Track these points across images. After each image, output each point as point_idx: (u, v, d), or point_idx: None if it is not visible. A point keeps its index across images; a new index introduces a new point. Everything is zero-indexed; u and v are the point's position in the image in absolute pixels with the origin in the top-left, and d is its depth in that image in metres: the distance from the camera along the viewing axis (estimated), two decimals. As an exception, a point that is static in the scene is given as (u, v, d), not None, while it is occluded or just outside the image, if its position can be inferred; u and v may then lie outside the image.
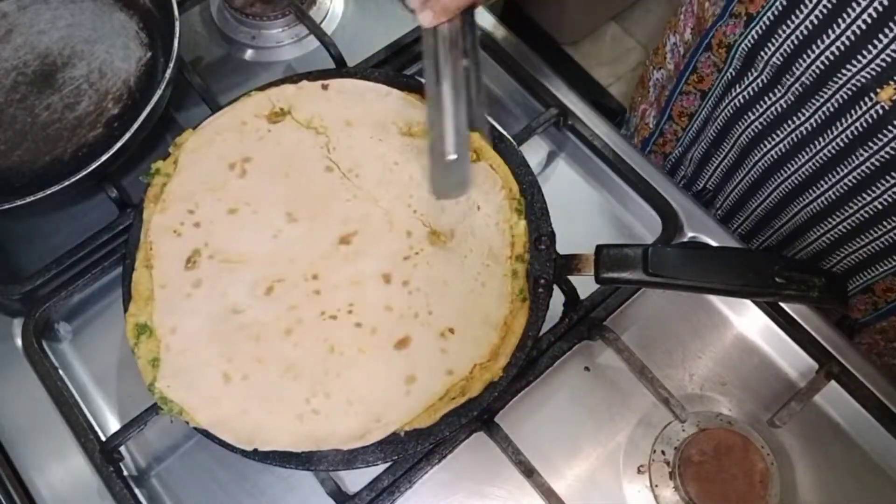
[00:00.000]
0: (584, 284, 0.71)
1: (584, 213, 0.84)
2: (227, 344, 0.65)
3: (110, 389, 0.76)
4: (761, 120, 0.81)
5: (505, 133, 0.75)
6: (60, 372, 0.74)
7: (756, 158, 0.85)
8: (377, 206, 0.71)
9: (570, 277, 0.71)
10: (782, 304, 0.75)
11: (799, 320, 0.74)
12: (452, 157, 0.66)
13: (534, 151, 0.86)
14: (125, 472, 0.71)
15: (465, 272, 0.68)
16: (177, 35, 0.79)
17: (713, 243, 0.79)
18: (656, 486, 0.70)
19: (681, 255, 0.64)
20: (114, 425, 0.74)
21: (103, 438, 0.70)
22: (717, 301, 0.78)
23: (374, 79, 0.77)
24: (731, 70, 0.81)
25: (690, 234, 0.79)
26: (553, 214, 0.71)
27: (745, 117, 0.83)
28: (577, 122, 0.84)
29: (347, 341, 0.65)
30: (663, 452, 0.70)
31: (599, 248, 0.66)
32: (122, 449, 0.71)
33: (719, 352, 0.76)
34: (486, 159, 0.72)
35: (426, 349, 0.65)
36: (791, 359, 0.75)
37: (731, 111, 0.84)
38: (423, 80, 0.78)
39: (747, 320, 0.77)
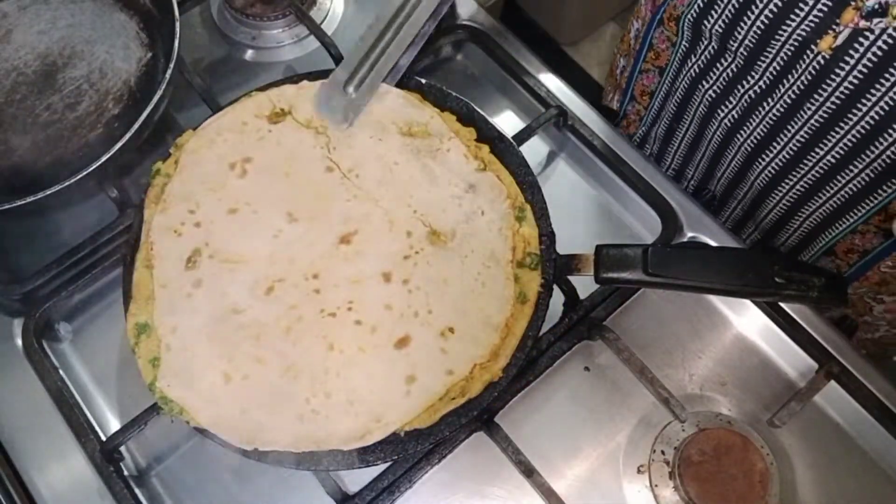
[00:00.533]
0: (584, 284, 0.71)
1: (584, 213, 0.84)
2: (227, 344, 0.65)
3: (110, 389, 0.77)
4: (715, 87, 0.82)
5: (505, 133, 0.75)
6: (60, 372, 0.74)
7: (714, 126, 0.86)
8: (377, 205, 0.71)
9: (570, 277, 0.72)
10: (782, 304, 0.75)
11: (799, 320, 0.74)
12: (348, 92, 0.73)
13: (534, 151, 0.86)
14: (125, 472, 0.71)
15: (465, 272, 0.68)
16: (177, 35, 0.79)
17: (713, 243, 0.79)
18: (656, 485, 0.70)
19: (681, 255, 0.65)
20: (114, 425, 0.74)
21: (103, 438, 0.70)
22: (717, 301, 0.78)
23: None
24: (683, 43, 0.82)
25: (690, 234, 0.79)
26: (553, 214, 0.71)
27: (700, 86, 0.84)
28: (577, 122, 0.84)
29: (347, 339, 0.65)
30: (663, 452, 0.70)
31: (599, 248, 0.66)
32: (123, 449, 0.71)
33: (719, 352, 0.76)
34: (492, 170, 0.72)
35: (426, 348, 0.65)
36: (791, 359, 0.75)
37: (688, 83, 0.85)
38: (422, 80, 0.79)
39: (747, 320, 0.77)
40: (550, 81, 0.87)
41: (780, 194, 0.85)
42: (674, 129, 0.93)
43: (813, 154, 0.78)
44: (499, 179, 0.72)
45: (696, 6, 0.76)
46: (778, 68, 0.74)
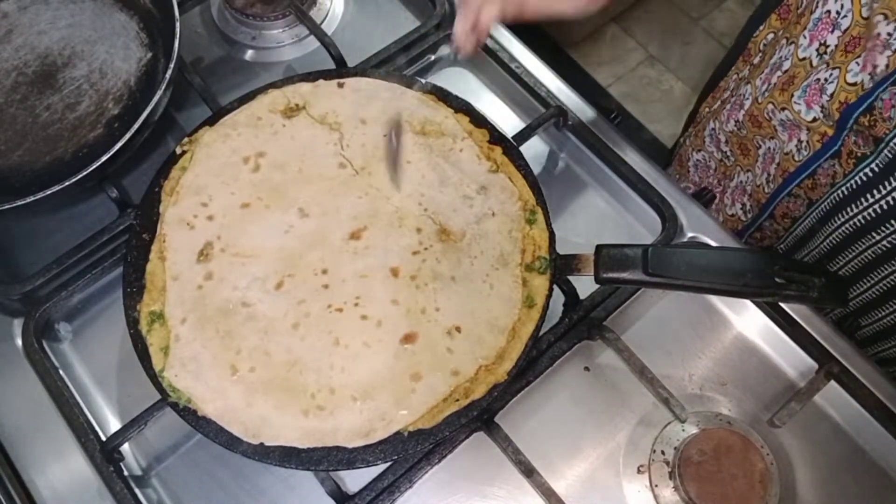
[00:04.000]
0: (584, 284, 0.71)
1: (584, 213, 0.84)
2: (235, 336, 0.66)
3: (110, 389, 0.76)
4: (888, 240, 0.73)
5: (505, 133, 0.75)
6: (60, 372, 0.74)
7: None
8: (388, 202, 0.71)
9: (570, 277, 0.72)
10: (782, 304, 0.75)
11: (799, 320, 0.74)
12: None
13: (534, 151, 0.86)
14: (125, 472, 0.71)
15: (474, 272, 0.68)
16: (177, 35, 0.79)
17: (713, 243, 0.79)
18: (656, 485, 0.70)
19: (681, 255, 0.64)
20: (114, 425, 0.74)
21: (103, 438, 0.70)
22: (717, 301, 0.78)
23: (389, 78, 0.78)
24: (850, 184, 0.73)
25: (690, 234, 0.79)
26: (553, 214, 0.71)
27: (870, 236, 0.74)
28: (576, 122, 0.84)
29: (353, 333, 0.66)
30: (663, 452, 0.70)
31: (599, 248, 0.66)
32: (123, 449, 0.71)
33: (719, 352, 0.76)
34: (505, 172, 0.73)
35: (433, 346, 0.65)
36: (791, 359, 0.75)
37: (851, 229, 0.76)
38: (422, 80, 0.79)
39: (747, 320, 0.77)
40: (550, 81, 0.87)
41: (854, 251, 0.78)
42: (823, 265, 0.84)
43: None
44: (511, 181, 0.72)
45: (882, 159, 0.67)
46: None
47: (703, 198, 1.02)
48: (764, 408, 0.73)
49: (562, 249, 0.70)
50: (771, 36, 0.91)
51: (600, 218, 0.84)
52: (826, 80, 0.74)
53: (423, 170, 0.72)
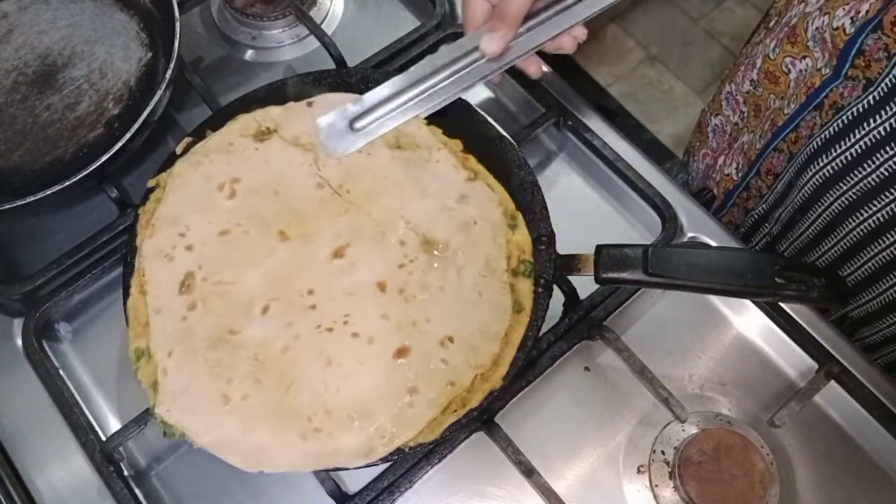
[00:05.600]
0: (584, 284, 0.71)
1: (584, 213, 0.84)
2: (224, 365, 0.65)
3: (110, 389, 0.77)
4: (854, 190, 0.75)
5: (505, 133, 0.75)
6: (60, 372, 0.74)
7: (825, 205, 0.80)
8: (369, 218, 0.70)
9: (570, 277, 0.72)
10: (782, 304, 0.75)
11: (799, 320, 0.74)
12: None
13: (534, 151, 0.86)
14: (125, 472, 0.71)
15: (461, 281, 0.67)
16: (177, 35, 0.79)
17: (713, 243, 0.79)
18: (656, 485, 0.70)
19: (681, 255, 0.64)
20: (114, 425, 0.74)
21: (103, 438, 0.70)
22: (717, 301, 0.78)
23: (367, 85, 0.77)
24: (824, 133, 0.75)
25: (690, 234, 0.79)
26: (553, 214, 0.71)
27: (838, 187, 0.76)
28: (576, 123, 0.84)
29: (345, 353, 0.65)
30: (663, 452, 0.70)
31: (599, 248, 0.66)
32: (122, 449, 0.71)
33: (719, 352, 0.76)
34: (483, 179, 0.72)
35: (427, 359, 0.64)
36: (791, 359, 0.75)
37: (822, 178, 0.77)
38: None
39: (747, 320, 0.77)
40: (550, 81, 0.87)
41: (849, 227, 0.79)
42: (796, 220, 0.86)
43: None
44: (490, 188, 0.72)
45: (864, 103, 0.69)
46: None
47: (703, 198, 1.03)
48: (764, 408, 0.73)
49: (562, 249, 0.70)
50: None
51: (600, 218, 0.84)
52: (820, 27, 0.76)
53: (402, 183, 0.72)
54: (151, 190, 0.73)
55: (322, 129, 0.72)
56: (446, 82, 0.71)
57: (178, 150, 0.74)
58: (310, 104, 0.76)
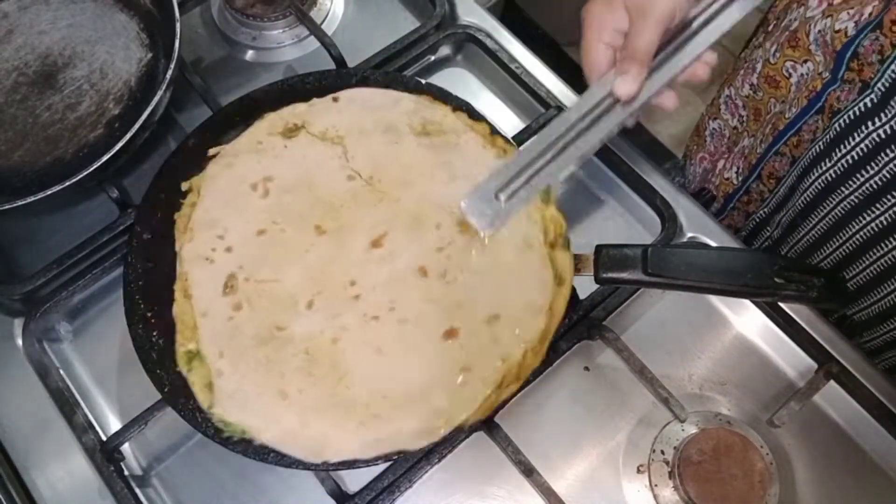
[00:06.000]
0: (584, 284, 0.71)
1: (584, 213, 0.84)
2: (276, 361, 0.65)
3: (110, 389, 0.77)
4: (857, 194, 0.74)
5: (505, 133, 0.75)
6: (61, 372, 0.74)
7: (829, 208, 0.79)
8: (403, 205, 0.71)
9: (570, 277, 0.72)
10: (782, 304, 0.75)
11: (799, 320, 0.74)
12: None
13: (534, 152, 0.86)
14: (125, 472, 0.71)
15: (501, 259, 0.68)
16: (178, 36, 0.79)
17: (713, 243, 0.79)
18: (656, 485, 0.70)
19: (680, 255, 0.65)
20: (114, 425, 0.74)
21: (104, 438, 0.70)
22: (717, 301, 0.78)
23: (381, 84, 0.78)
24: (826, 137, 0.75)
25: (690, 234, 0.80)
26: (553, 214, 0.71)
27: (839, 191, 0.76)
28: (576, 123, 0.84)
29: (394, 339, 0.66)
30: (663, 452, 0.70)
31: (599, 248, 0.66)
32: (123, 449, 0.71)
33: (719, 352, 0.76)
34: (512, 154, 0.72)
35: (475, 337, 0.65)
36: (790, 359, 0.75)
37: (824, 183, 0.77)
38: (421, 81, 0.79)
39: (747, 320, 0.77)
40: (550, 81, 0.87)
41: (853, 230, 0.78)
42: (797, 224, 0.86)
43: None
44: None
45: (861, 106, 0.69)
46: None
47: (703, 198, 1.03)
48: (764, 408, 0.73)
49: (562, 249, 0.70)
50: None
51: (600, 218, 0.84)
52: (822, 30, 0.75)
53: (432, 168, 0.72)
54: (184, 194, 0.73)
55: (469, 209, 0.65)
56: (585, 136, 0.65)
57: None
58: (335, 99, 0.77)
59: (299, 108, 0.76)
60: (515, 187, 0.64)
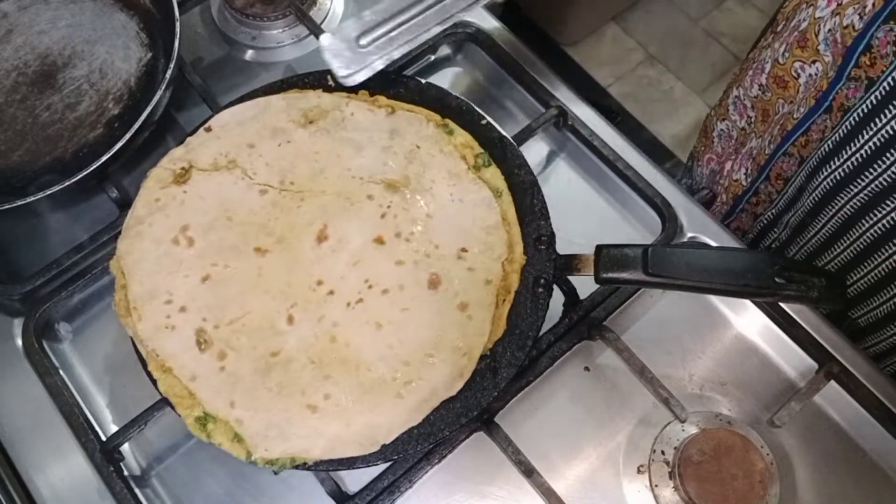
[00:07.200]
0: (584, 284, 0.71)
1: (584, 213, 0.84)
2: (289, 383, 0.65)
3: (110, 389, 0.77)
4: (866, 192, 0.74)
5: (505, 133, 0.75)
6: (61, 372, 0.74)
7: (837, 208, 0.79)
8: (326, 194, 0.72)
9: (570, 277, 0.72)
10: (782, 304, 0.75)
11: (799, 320, 0.74)
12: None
13: (534, 151, 0.86)
14: (125, 472, 0.71)
15: (440, 200, 0.71)
16: (177, 35, 0.79)
17: (713, 243, 0.79)
18: (656, 485, 0.70)
19: (681, 255, 0.64)
20: (114, 425, 0.74)
21: (103, 438, 0.70)
22: (717, 301, 0.78)
23: (378, 85, 0.77)
24: (835, 135, 0.74)
25: (690, 234, 0.79)
26: (553, 214, 0.71)
27: (848, 189, 0.75)
28: (577, 122, 0.84)
29: (387, 310, 0.67)
30: (663, 452, 0.70)
31: (599, 248, 0.66)
32: (123, 449, 0.71)
33: (719, 352, 0.76)
34: (400, 108, 0.75)
35: (456, 275, 0.68)
36: (791, 359, 0.75)
37: (833, 182, 0.77)
38: (421, 80, 0.79)
39: (747, 320, 0.77)
40: (550, 81, 0.87)
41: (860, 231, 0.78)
42: (806, 224, 0.85)
43: None
44: (411, 112, 0.74)
45: (867, 104, 0.69)
46: None
47: (703, 198, 1.03)
48: (764, 408, 0.73)
49: (562, 249, 0.70)
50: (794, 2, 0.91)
51: (600, 218, 0.84)
52: (832, 29, 0.76)
53: (335, 150, 0.73)
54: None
55: (326, 53, 0.67)
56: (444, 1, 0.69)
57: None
58: (208, 129, 0.75)
59: (177, 152, 0.74)
60: (377, 35, 0.66)
